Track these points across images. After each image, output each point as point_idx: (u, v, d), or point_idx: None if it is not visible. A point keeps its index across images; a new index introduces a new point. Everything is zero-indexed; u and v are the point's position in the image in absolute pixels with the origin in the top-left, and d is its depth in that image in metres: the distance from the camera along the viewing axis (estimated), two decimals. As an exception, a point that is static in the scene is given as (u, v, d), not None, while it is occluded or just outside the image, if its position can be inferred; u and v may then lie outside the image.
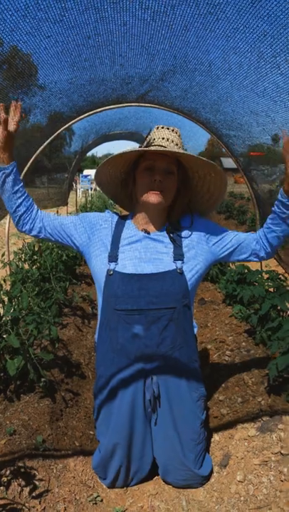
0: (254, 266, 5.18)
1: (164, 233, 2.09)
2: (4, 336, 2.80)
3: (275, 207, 2.03)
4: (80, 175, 28.24)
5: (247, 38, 1.86)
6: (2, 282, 3.28)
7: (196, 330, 2.30)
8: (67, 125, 4.26)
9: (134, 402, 2.20)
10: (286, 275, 4.29)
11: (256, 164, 4.38)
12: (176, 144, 1.95)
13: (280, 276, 4.19)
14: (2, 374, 2.92)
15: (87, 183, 28.30)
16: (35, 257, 4.95)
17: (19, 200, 2.03)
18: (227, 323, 4.44)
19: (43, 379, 2.90)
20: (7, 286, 3.52)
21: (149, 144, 1.96)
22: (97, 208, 13.60)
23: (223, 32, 1.89)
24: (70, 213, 9.60)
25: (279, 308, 3.76)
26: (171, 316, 2.01)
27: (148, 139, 1.97)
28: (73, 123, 4.35)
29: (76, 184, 25.28)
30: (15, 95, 2.84)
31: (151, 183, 1.93)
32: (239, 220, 11.92)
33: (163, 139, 1.93)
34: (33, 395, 2.92)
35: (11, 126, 1.91)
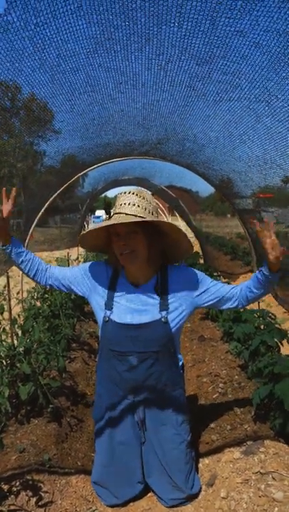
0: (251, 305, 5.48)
1: (152, 286, 2.39)
2: (17, 365, 3.18)
3: (259, 274, 2.29)
4: (92, 216, 28.91)
5: (218, 122, 2.34)
6: (17, 317, 3.69)
7: (181, 362, 2.64)
8: (74, 178, 4.75)
9: (124, 425, 2.56)
10: (276, 314, 4.63)
11: (265, 205, 4.65)
12: (134, 204, 2.16)
13: (270, 314, 4.53)
14: (14, 400, 3.28)
15: (99, 223, 28.83)
16: (47, 295, 5.37)
17: (27, 268, 2.45)
18: (223, 359, 4.76)
19: (51, 405, 3.25)
20: (21, 321, 3.92)
21: (113, 213, 2.26)
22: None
23: (199, 116, 2.38)
24: (81, 254, 10.05)
25: (269, 344, 4.07)
26: (157, 356, 2.39)
27: (113, 207, 2.29)
28: (81, 175, 4.86)
29: (88, 225, 25.94)
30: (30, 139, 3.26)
31: (119, 247, 2.21)
32: (244, 261, 12.25)
33: (121, 205, 2.19)
34: (42, 419, 3.26)
35: (5, 214, 2.28)
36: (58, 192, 5.22)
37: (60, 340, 4.32)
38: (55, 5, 1.65)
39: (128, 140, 3.33)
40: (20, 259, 2.41)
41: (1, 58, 1.89)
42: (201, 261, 10.71)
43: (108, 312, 2.39)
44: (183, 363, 2.67)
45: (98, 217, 30.28)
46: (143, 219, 2.11)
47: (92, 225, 28.01)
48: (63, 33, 1.81)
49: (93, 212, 30.31)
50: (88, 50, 1.94)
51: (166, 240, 2.33)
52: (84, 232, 2.34)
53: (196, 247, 11.72)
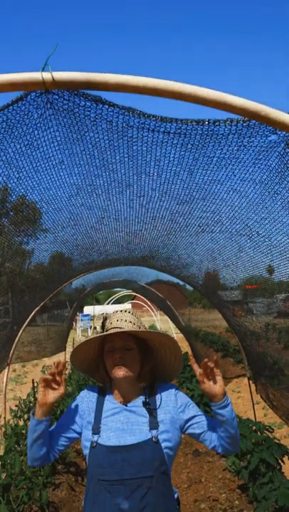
0: (247, 413, 5.19)
1: (141, 403, 2.25)
2: (-5, 505, 2.87)
3: (213, 413, 2.13)
4: (80, 314, 28.63)
5: (201, 248, 2.40)
6: (-3, 446, 3.42)
7: (176, 495, 2.41)
8: (59, 288, 4.75)
9: None
10: (273, 417, 4.40)
11: (252, 297, 4.63)
12: (130, 322, 2.23)
13: (267, 427, 4.29)
14: None
15: (86, 322, 28.55)
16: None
17: (39, 442, 2.19)
18: (220, 478, 4.41)
19: None
20: (0, 450, 3.63)
21: (107, 329, 2.28)
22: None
23: (184, 243, 2.45)
24: (67, 361, 9.74)
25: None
26: (150, 483, 2.17)
27: (106, 324, 2.31)
28: (64, 285, 4.85)
29: (76, 323, 25.55)
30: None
31: (114, 360, 2.16)
32: (236, 358, 11.98)
33: (117, 321, 2.23)
34: None
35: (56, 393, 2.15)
36: (46, 300, 5.18)
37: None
38: (37, 162, 1.75)
39: (113, 258, 3.39)
40: (38, 434, 2.18)
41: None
42: (192, 361, 10.40)
43: (96, 437, 2.22)
44: (178, 497, 2.43)
45: (86, 315, 29.93)
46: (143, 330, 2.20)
47: (80, 324, 27.66)
48: (45, 183, 1.91)
49: (81, 310, 30.07)
50: (70, 194, 2.04)
51: (156, 358, 2.33)
52: (79, 343, 2.29)
53: (186, 347, 11.48)
